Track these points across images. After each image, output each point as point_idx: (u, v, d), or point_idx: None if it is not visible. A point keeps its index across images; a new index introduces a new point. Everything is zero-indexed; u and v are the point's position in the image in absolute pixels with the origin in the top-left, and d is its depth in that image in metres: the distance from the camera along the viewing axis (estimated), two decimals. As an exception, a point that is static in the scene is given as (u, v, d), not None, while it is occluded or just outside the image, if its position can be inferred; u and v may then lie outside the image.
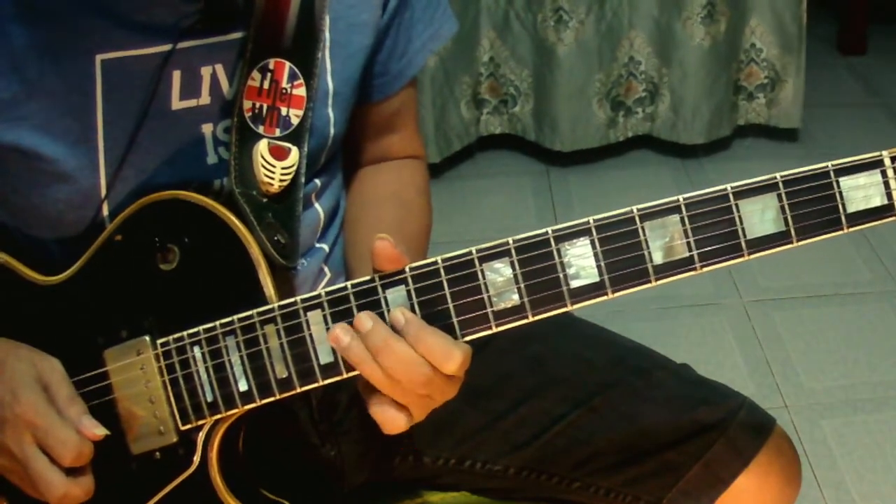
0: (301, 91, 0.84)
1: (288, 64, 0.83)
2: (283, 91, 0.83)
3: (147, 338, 0.78)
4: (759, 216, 0.68)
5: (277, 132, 0.83)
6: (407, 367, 0.69)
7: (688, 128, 2.64)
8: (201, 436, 0.78)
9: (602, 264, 0.69)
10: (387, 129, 1.01)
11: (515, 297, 0.70)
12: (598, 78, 2.58)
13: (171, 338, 0.77)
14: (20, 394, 0.75)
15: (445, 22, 0.97)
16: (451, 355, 0.69)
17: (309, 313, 0.73)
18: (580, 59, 2.54)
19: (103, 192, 0.80)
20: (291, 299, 0.73)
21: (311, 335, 0.73)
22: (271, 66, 0.83)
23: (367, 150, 1.02)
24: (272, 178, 0.82)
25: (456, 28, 0.99)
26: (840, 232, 0.68)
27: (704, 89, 2.60)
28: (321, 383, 0.73)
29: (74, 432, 0.75)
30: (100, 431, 0.76)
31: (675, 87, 2.62)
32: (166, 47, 0.79)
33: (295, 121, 0.84)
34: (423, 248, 0.96)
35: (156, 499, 0.79)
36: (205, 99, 0.83)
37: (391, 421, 0.72)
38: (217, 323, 0.75)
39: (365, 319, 0.70)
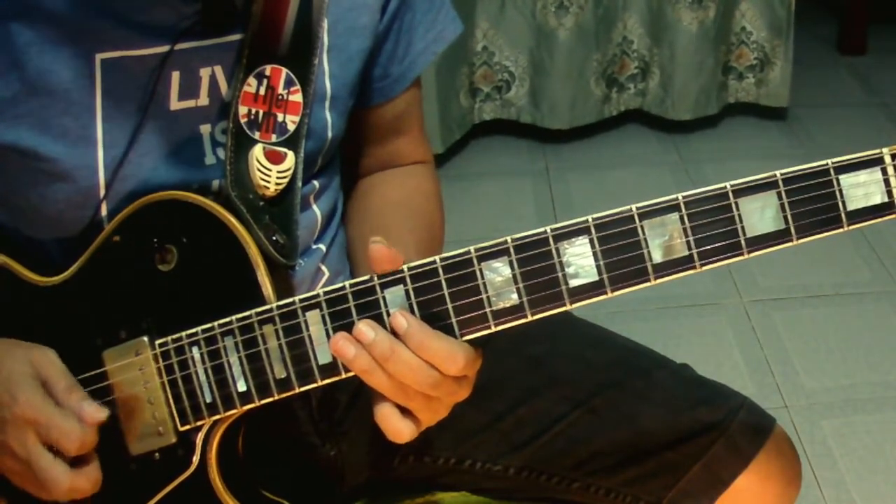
0: (297, 97, 0.84)
1: (284, 70, 0.83)
2: (280, 97, 0.83)
3: (146, 338, 0.78)
4: (759, 214, 0.67)
5: (273, 137, 0.83)
6: (415, 372, 0.69)
7: (676, 104, 2.77)
8: (200, 436, 0.78)
9: (601, 263, 0.69)
10: (391, 134, 1.00)
11: (514, 296, 0.70)
12: (595, 58, 2.70)
13: (169, 338, 0.77)
14: (18, 393, 0.75)
15: (448, 24, 0.97)
16: (455, 358, 0.69)
17: (307, 313, 0.73)
18: (580, 42, 2.66)
19: (102, 191, 0.80)
20: (290, 299, 0.73)
21: (309, 335, 0.73)
22: (267, 73, 0.83)
23: (372, 156, 1.01)
24: (268, 182, 0.82)
25: (461, 30, 0.98)
26: (840, 230, 0.67)
27: (692, 70, 2.73)
28: (320, 383, 0.73)
29: (76, 421, 0.75)
30: (101, 414, 0.75)
31: (664, 65, 2.75)
32: (165, 48, 0.79)
33: (291, 126, 0.84)
34: (436, 254, 0.96)
35: (155, 499, 0.79)
36: (203, 100, 0.82)
37: (397, 431, 0.72)
38: (215, 323, 0.75)
39: (367, 329, 0.70)
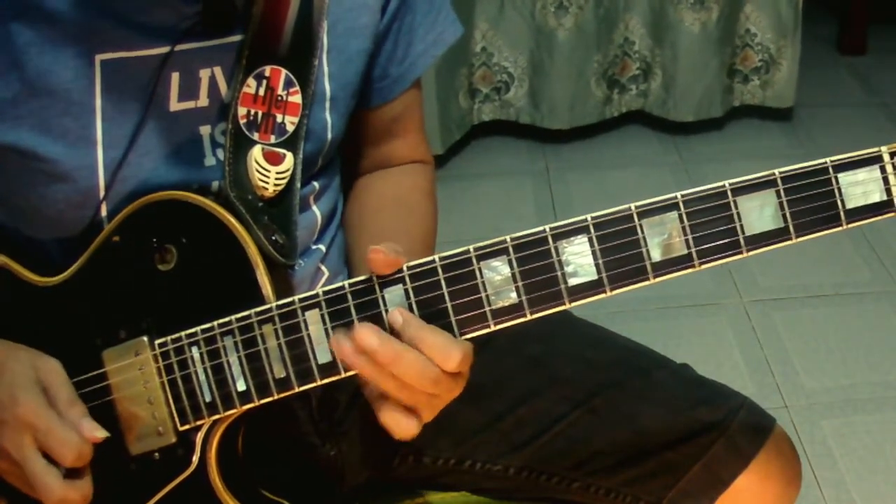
0: (297, 98, 0.84)
1: (284, 71, 0.83)
2: (279, 98, 0.83)
3: (145, 338, 0.78)
4: (758, 213, 0.68)
5: (272, 139, 0.83)
6: (419, 370, 0.69)
7: (678, 106, 2.75)
8: (200, 436, 0.78)
9: (600, 262, 0.69)
10: (389, 134, 1.00)
11: (513, 295, 0.70)
12: (595, 59, 2.68)
13: (169, 338, 0.77)
14: (19, 396, 0.75)
15: (448, 27, 0.97)
16: (451, 353, 0.69)
17: (307, 313, 0.73)
18: (580, 42, 2.64)
19: (102, 192, 0.80)
20: (289, 299, 0.73)
21: (308, 335, 0.73)
22: (267, 74, 0.83)
23: (369, 156, 1.01)
24: (266, 183, 0.82)
25: (460, 33, 0.98)
26: (839, 228, 0.68)
27: (695, 71, 2.71)
28: (319, 383, 0.73)
29: (74, 433, 0.75)
30: (100, 434, 0.76)
31: (666, 66, 2.73)
32: (165, 49, 0.79)
33: (290, 127, 0.84)
34: (429, 252, 0.96)
35: (155, 499, 0.79)
36: (203, 101, 0.83)
37: (403, 428, 0.72)
38: (215, 323, 0.75)
39: (370, 336, 0.69)
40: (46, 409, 0.75)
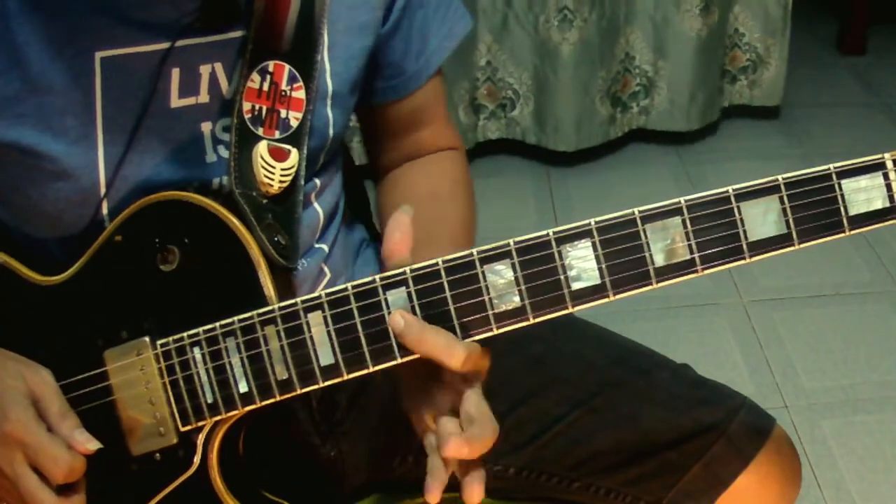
0: (300, 94, 0.84)
1: (287, 66, 0.83)
2: (283, 93, 0.83)
3: (147, 339, 0.78)
4: (761, 218, 0.67)
5: (277, 134, 0.83)
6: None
7: (684, 115, 2.73)
8: (201, 437, 0.78)
9: (603, 266, 0.69)
10: (413, 125, 1.00)
11: (516, 299, 0.70)
12: (600, 75, 2.63)
13: (170, 339, 0.77)
14: (9, 411, 0.74)
15: (459, 19, 0.97)
16: (454, 351, 0.69)
17: (309, 314, 0.73)
18: (584, 58, 2.59)
19: (103, 190, 0.80)
20: (292, 300, 0.73)
21: (311, 337, 0.73)
22: (271, 69, 0.83)
23: (396, 148, 1.02)
24: (272, 180, 0.82)
25: (470, 25, 0.99)
26: (842, 234, 0.67)
27: (699, 78, 2.69)
28: (321, 385, 0.73)
29: (65, 449, 0.74)
30: (92, 446, 0.76)
31: (670, 78, 2.70)
32: (166, 45, 0.79)
33: (294, 123, 0.84)
34: (469, 238, 0.96)
35: (156, 500, 0.79)
36: (204, 97, 0.82)
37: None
38: (217, 324, 0.75)
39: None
40: (36, 425, 0.75)
